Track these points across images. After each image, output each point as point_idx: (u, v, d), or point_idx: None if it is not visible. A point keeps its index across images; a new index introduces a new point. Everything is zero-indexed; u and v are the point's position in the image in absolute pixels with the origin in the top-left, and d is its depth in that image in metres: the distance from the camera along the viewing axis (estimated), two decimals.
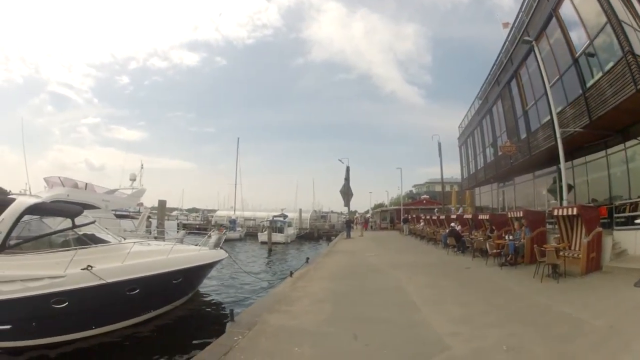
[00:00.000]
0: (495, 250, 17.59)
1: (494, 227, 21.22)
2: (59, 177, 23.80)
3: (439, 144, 45.12)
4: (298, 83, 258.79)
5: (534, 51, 19.83)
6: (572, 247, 14.68)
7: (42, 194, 19.79)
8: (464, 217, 27.81)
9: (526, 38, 20.17)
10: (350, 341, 7.83)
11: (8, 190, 24.35)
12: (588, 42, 16.91)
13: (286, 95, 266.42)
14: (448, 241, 24.10)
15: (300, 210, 70.94)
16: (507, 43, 29.29)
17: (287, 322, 9.33)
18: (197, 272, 15.27)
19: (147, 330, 11.91)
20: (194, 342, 10.83)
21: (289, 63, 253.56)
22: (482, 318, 9.04)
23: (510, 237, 17.94)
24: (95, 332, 10.98)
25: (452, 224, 26.20)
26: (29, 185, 21.97)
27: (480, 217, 24.29)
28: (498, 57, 31.82)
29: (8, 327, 9.72)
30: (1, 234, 10.56)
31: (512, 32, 28.37)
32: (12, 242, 10.78)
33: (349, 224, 45.92)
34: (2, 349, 9.64)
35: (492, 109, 32.71)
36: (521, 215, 18.00)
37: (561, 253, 13.78)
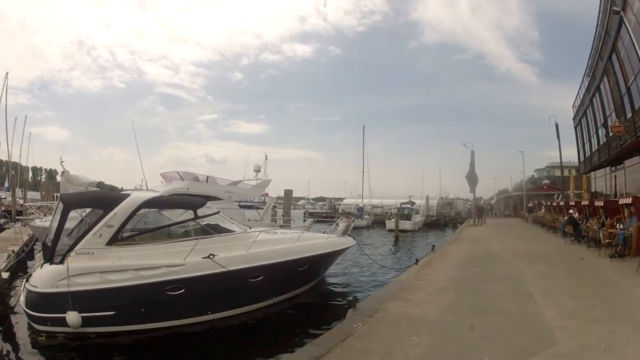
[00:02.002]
0: (607, 240, 16.84)
1: (607, 215, 19.97)
2: (178, 172, 24.98)
3: (556, 125, 43.31)
4: (415, 66, 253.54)
5: (623, 22, 18.44)
6: None
7: (160, 188, 21.15)
8: (581, 203, 26.67)
9: (615, 8, 18.89)
10: (467, 332, 7.84)
11: (119, 188, 26.01)
12: None
13: (405, 79, 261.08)
14: (566, 229, 23.35)
15: (427, 197, 69.58)
16: (600, 13, 27.53)
17: (408, 310, 9.46)
18: (324, 260, 15.54)
19: (266, 316, 12.35)
20: (315, 328, 11.07)
21: (403, 47, 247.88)
22: (589, 312, 8.82)
23: (621, 226, 17.04)
24: (210, 317, 11.51)
25: (570, 211, 25.24)
26: (145, 180, 23.14)
27: (596, 203, 22.97)
28: (596, 29, 30.01)
29: (111, 313, 10.20)
30: (113, 228, 11.15)
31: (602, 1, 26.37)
32: (125, 235, 11.43)
33: (481, 210, 45.49)
34: (104, 333, 10.21)
35: (600, 86, 30.20)
36: (630, 202, 17.04)
37: None
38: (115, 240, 11.08)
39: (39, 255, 13.12)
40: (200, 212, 12.75)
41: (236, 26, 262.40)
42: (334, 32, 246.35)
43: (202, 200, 14.02)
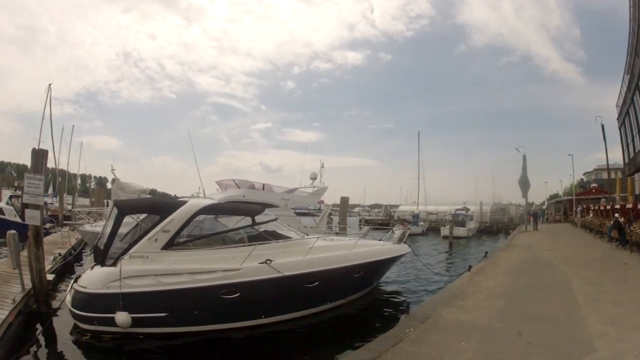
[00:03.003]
0: None
1: None
2: (234, 180, 25.16)
3: (602, 126, 42.24)
4: (466, 71, 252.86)
5: None
6: None
7: (216, 195, 21.32)
8: (626, 207, 26.04)
9: None
10: (515, 338, 7.98)
11: (173, 195, 26.23)
12: None
13: (456, 84, 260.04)
14: (612, 234, 22.80)
15: (481, 203, 68.57)
16: (630, 7, 26.87)
17: (459, 316, 9.62)
18: (379, 267, 15.50)
19: (319, 321, 12.38)
20: (368, 333, 10.99)
21: (452, 51, 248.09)
22: (628, 319, 8.88)
23: None
24: (263, 321, 11.58)
25: (616, 215, 24.58)
26: (203, 188, 23.46)
27: (639, 206, 22.42)
28: (630, 24, 29.33)
29: (163, 314, 10.39)
30: (169, 233, 11.38)
31: None
32: (181, 240, 11.65)
33: (535, 216, 44.72)
34: (152, 334, 10.33)
35: (639, 83, 29.45)
36: None
37: None
38: (171, 245, 11.33)
39: (87, 259, 13.50)
40: (257, 218, 13.03)
41: (285, 36, 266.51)
42: (383, 38, 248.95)
43: (260, 207, 14.32)
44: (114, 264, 10.60)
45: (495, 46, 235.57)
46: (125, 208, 12.09)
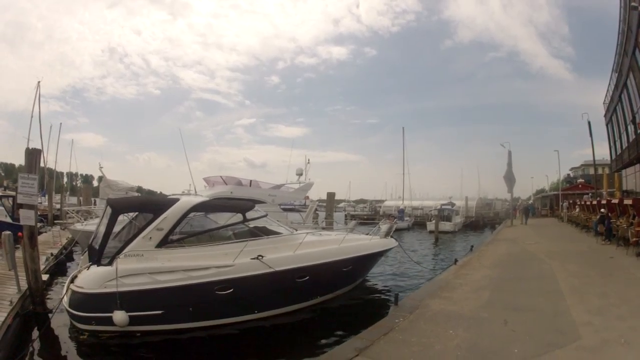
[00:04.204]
0: (635, 239, 16.78)
1: (636, 214, 19.54)
2: (221, 176, 25.36)
3: (589, 123, 40.99)
4: (451, 66, 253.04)
5: None
6: None
7: (203, 192, 21.28)
8: (612, 202, 26.33)
9: (633, 3, 18.59)
10: (501, 327, 8.31)
11: (158, 192, 26.16)
12: None
13: (442, 79, 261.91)
14: (598, 228, 23.16)
15: (467, 198, 67.82)
16: (621, 8, 27.06)
17: (446, 307, 9.95)
18: (367, 261, 15.70)
19: (311, 314, 12.54)
20: (359, 324, 10.87)
21: (438, 46, 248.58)
22: (613, 310, 9.19)
23: None
24: (256, 315, 11.73)
25: (602, 210, 24.82)
26: (194, 185, 23.49)
27: (625, 202, 22.63)
28: (619, 24, 29.46)
29: (159, 312, 10.45)
30: (163, 231, 11.49)
31: None
32: (174, 238, 11.76)
33: (526, 211, 45.52)
34: (149, 332, 10.41)
35: (627, 82, 29.42)
36: None
37: None
38: (165, 242, 11.50)
39: (79, 258, 13.50)
40: (248, 215, 13.22)
41: (270, 30, 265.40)
42: (369, 33, 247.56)
43: (251, 203, 14.44)
44: (109, 263, 10.70)
45: (482, 42, 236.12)
46: (119, 207, 12.21)
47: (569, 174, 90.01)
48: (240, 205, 13.96)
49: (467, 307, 9.90)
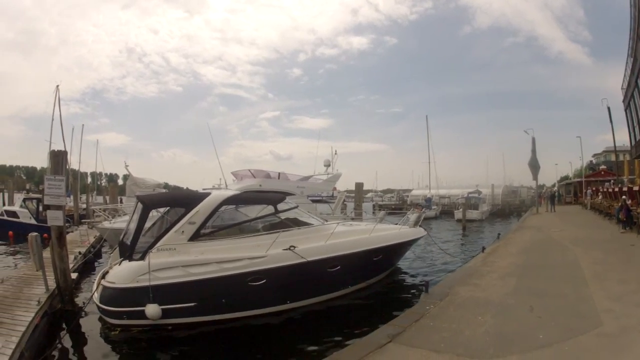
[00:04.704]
0: None
1: None
2: (249, 170, 25.30)
3: (609, 109, 41.64)
4: (471, 52, 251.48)
5: None
6: None
7: (231, 186, 21.69)
8: (632, 189, 26.01)
9: None
10: (527, 313, 8.55)
11: (185, 188, 26.16)
12: None
13: (462, 66, 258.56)
14: (620, 216, 22.76)
15: (493, 185, 67.99)
16: None
17: (475, 294, 10.21)
18: (397, 250, 16.00)
19: (343, 304, 12.82)
20: (390, 312, 11.29)
21: (457, 33, 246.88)
22: (633, 297, 9.32)
23: None
24: (288, 306, 11.91)
25: (624, 197, 24.80)
26: (224, 180, 23.33)
27: None
28: (631, 9, 29.24)
29: (192, 304, 10.60)
30: (195, 224, 11.66)
31: None
32: (206, 231, 11.96)
33: (553, 198, 45.22)
34: (181, 324, 10.53)
35: None
36: None
37: None
38: (198, 236, 11.67)
39: (108, 256, 13.78)
40: (279, 207, 13.43)
41: (289, 23, 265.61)
42: (388, 22, 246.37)
43: (282, 195, 14.73)
44: (141, 258, 10.81)
45: (500, 27, 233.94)
46: (150, 203, 12.41)
47: (591, 161, 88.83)
48: (272, 197, 14.28)
49: (495, 294, 10.12)
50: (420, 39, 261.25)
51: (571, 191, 60.99)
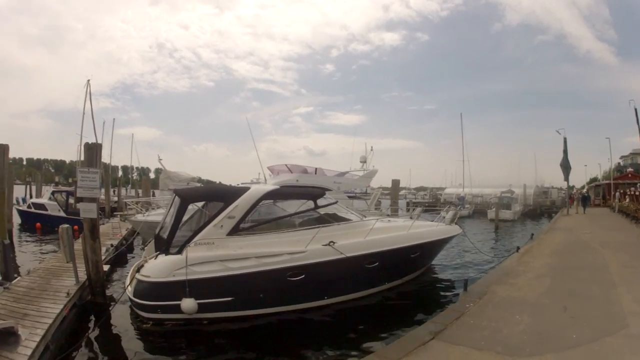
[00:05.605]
0: None
1: None
2: (286, 165, 25.06)
3: (636, 111, 40.74)
4: (501, 50, 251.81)
5: None
6: None
7: (269, 181, 21.88)
8: None
9: None
10: (560, 312, 8.71)
11: (217, 182, 26.27)
12: None
13: (493, 64, 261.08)
14: None
15: (525, 185, 66.82)
16: None
17: (511, 293, 10.37)
18: (434, 247, 16.01)
19: (381, 300, 12.80)
20: (427, 310, 11.62)
21: (488, 30, 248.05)
22: None
23: None
24: (326, 302, 11.94)
25: None
26: (263, 174, 23.41)
27: None
28: None
29: (229, 299, 10.60)
30: (234, 219, 11.65)
31: None
32: (246, 225, 11.94)
33: (584, 200, 45.10)
34: (216, 319, 10.55)
35: None
36: None
37: None
38: (237, 230, 11.70)
39: (146, 249, 13.59)
40: (319, 202, 13.47)
41: (320, 19, 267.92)
42: (419, 18, 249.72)
43: (322, 190, 14.75)
44: (179, 252, 10.89)
45: (530, 25, 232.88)
46: (188, 197, 12.38)
47: (619, 163, 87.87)
48: (312, 192, 14.44)
49: (531, 294, 10.27)
50: (451, 35, 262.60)
51: (600, 193, 60.54)
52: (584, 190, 67.63)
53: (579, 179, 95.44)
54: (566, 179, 42.45)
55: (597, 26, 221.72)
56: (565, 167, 40.51)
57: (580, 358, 6.41)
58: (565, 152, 40.35)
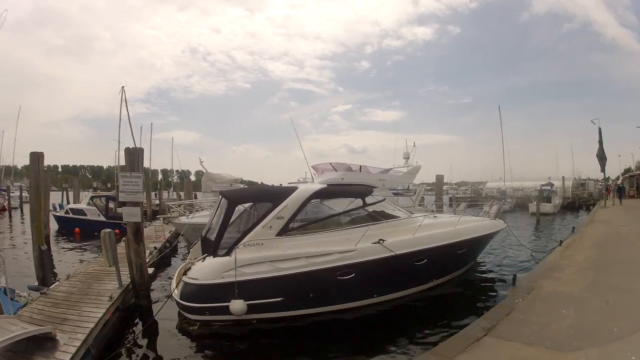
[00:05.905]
0: None
1: None
2: (330, 163, 25.02)
3: None
4: (531, 39, 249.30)
5: None
6: None
7: (315, 180, 21.71)
8: None
9: None
10: (603, 306, 8.87)
11: (259, 183, 26.39)
12: None
13: (525, 54, 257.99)
14: None
15: (563, 178, 65.49)
16: None
17: (557, 287, 10.59)
18: (481, 243, 15.92)
19: (429, 297, 12.79)
20: (476, 305, 11.85)
21: (517, 19, 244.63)
22: None
23: None
24: (375, 300, 11.89)
25: None
26: (310, 173, 23.54)
27: None
28: None
29: (279, 299, 10.58)
30: (283, 219, 11.66)
31: None
32: (295, 225, 11.93)
33: (620, 191, 45.06)
34: (265, 319, 10.57)
35: None
36: None
37: None
38: (286, 230, 11.76)
39: (191, 251, 13.71)
40: (367, 199, 13.59)
41: (351, 16, 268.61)
42: (449, 11, 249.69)
43: (370, 188, 14.75)
44: (227, 254, 10.94)
45: (556, 13, 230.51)
46: (235, 198, 12.42)
47: None
48: (360, 190, 14.32)
49: (575, 288, 10.47)
50: (482, 27, 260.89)
51: (634, 184, 59.62)
52: (619, 182, 66.70)
53: (613, 169, 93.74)
54: (603, 170, 41.81)
55: (619, 11, 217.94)
56: (602, 157, 39.78)
57: (621, 350, 6.59)
58: (600, 142, 39.65)
